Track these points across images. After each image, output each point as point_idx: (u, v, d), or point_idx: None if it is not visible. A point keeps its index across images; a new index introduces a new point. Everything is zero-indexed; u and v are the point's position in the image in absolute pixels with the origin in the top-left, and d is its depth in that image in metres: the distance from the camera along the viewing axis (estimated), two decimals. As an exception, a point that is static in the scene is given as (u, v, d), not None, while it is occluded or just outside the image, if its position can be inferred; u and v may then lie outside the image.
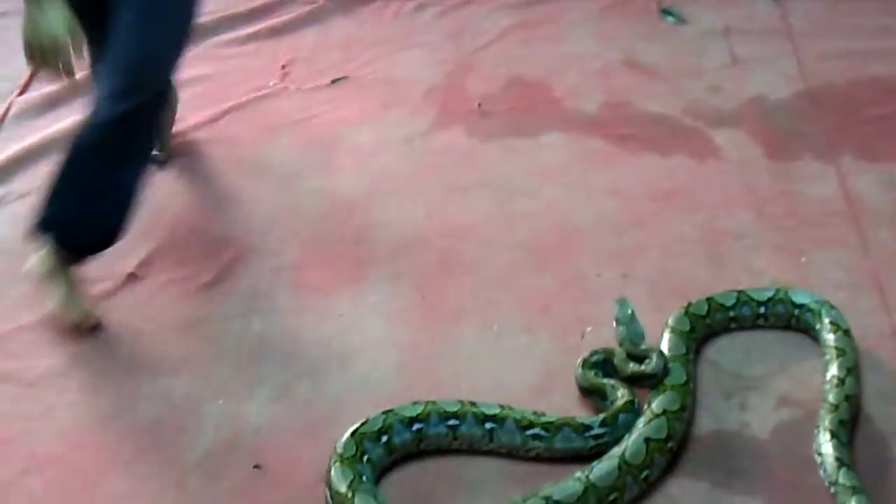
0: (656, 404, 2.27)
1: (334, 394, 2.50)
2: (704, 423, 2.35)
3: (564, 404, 2.39)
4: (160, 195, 3.33)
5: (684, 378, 2.35)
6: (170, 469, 2.32)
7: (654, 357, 2.35)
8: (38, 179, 3.42)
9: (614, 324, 2.40)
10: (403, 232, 3.10)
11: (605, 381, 2.39)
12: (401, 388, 2.49)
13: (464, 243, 3.03)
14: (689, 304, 2.57)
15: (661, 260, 2.87)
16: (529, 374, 2.50)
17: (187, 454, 2.35)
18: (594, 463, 2.15)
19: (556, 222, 3.09)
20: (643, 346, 2.39)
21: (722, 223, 3.01)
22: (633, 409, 2.30)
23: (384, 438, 2.27)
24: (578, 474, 2.12)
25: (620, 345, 2.39)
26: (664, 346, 2.43)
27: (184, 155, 3.47)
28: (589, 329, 2.60)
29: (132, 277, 2.95)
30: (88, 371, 2.64)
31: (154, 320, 2.79)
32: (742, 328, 2.59)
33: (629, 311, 2.39)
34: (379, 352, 2.63)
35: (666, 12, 4.11)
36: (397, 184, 3.33)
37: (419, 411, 2.31)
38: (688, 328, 2.50)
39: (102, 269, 2.98)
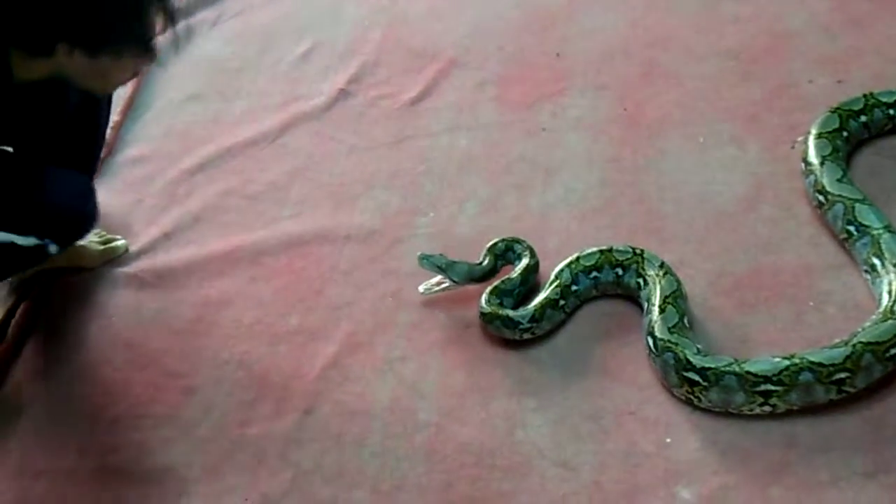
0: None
1: (539, 207, 2.55)
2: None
3: (773, 215, 2.37)
4: (367, 11, 3.39)
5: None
6: (386, 278, 2.45)
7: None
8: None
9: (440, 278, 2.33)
10: (605, 42, 3.05)
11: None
12: (604, 201, 2.51)
13: (667, 52, 2.96)
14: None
15: (880, 64, 2.72)
16: (737, 186, 2.47)
17: (402, 265, 2.46)
18: None
19: (764, 27, 2.96)
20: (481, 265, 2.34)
21: (948, 23, 2.82)
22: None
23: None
24: None
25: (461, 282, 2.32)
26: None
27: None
28: (800, 139, 2.51)
29: (343, 93, 3.05)
30: (306, 185, 2.77)
31: (366, 136, 2.89)
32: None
33: (440, 260, 2.31)
34: (582, 166, 2.64)
35: None
36: (599, -9, 3.26)
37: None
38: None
39: (314, 85, 3.10)
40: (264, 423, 2.16)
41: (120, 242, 2.66)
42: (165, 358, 2.35)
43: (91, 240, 2.62)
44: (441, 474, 1.99)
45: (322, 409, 2.16)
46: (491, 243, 2.37)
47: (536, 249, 2.36)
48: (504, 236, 2.39)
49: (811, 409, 1.93)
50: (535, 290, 2.27)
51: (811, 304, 2.15)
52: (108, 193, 2.83)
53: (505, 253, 2.37)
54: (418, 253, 2.32)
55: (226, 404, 2.22)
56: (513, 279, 2.29)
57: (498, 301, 2.24)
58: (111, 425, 2.21)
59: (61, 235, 2.30)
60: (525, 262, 2.32)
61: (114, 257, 2.64)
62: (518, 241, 2.37)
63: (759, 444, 1.91)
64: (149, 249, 2.65)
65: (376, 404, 2.15)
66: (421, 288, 2.33)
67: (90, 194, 2.37)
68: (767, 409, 1.92)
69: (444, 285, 2.32)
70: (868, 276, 2.14)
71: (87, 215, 2.35)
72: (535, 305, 2.20)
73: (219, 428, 2.17)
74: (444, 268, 2.30)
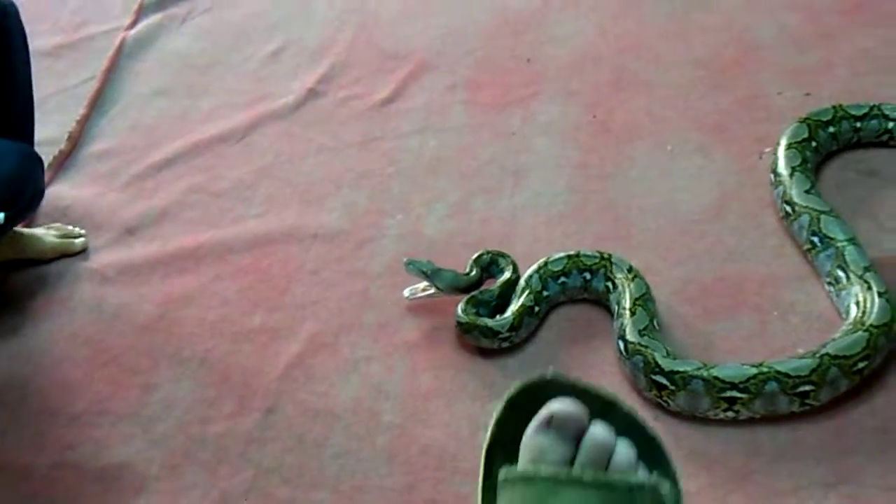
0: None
1: (508, 211, 2.55)
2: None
3: (739, 226, 2.38)
4: (338, 11, 3.39)
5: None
6: (353, 279, 2.43)
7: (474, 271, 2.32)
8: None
9: (426, 283, 2.30)
10: (576, 49, 3.06)
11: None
12: (572, 207, 2.51)
13: (637, 60, 2.97)
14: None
15: (848, 78, 2.74)
16: (703, 196, 2.47)
17: (369, 265, 2.45)
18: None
19: (734, 37, 2.99)
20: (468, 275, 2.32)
21: (915, 38, 2.85)
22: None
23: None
24: None
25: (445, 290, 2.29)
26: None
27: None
28: (767, 150, 2.53)
29: (312, 93, 3.04)
30: (274, 183, 2.76)
31: (335, 136, 2.87)
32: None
33: (426, 266, 2.28)
34: (551, 171, 2.64)
35: None
36: (570, -2, 3.28)
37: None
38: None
39: (283, 84, 3.08)
40: (226, 421, 2.14)
41: (79, 240, 2.61)
42: (127, 354, 2.32)
43: (48, 232, 2.60)
44: (403, 476, 1.98)
45: (284, 408, 2.15)
46: (476, 255, 2.35)
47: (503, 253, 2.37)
48: (488, 248, 2.37)
49: (774, 418, 1.93)
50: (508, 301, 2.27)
51: (775, 313, 2.16)
52: (73, 187, 2.80)
53: (489, 266, 2.36)
54: (405, 258, 2.30)
55: (187, 402, 2.19)
56: (492, 290, 2.28)
57: (474, 311, 2.23)
58: (70, 421, 2.18)
59: (6, 202, 2.26)
60: (506, 275, 2.31)
61: (71, 253, 2.60)
62: (503, 255, 2.36)
63: (721, 451, 1.91)
64: (112, 244, 2.62)
65: (340, 405, 2.13)
66: (406, 292, 2.31)
67: (33, 160, 2.38)
68: (730, 414, 1.93)
69: (429, 291, 2.30)
70: (831, 289, 2.15)
71: (30, 179, 2.35)
72: (513, 314, 2.18)
73: (179, 425, 2.14)
74: (430, 274, 2.27)
